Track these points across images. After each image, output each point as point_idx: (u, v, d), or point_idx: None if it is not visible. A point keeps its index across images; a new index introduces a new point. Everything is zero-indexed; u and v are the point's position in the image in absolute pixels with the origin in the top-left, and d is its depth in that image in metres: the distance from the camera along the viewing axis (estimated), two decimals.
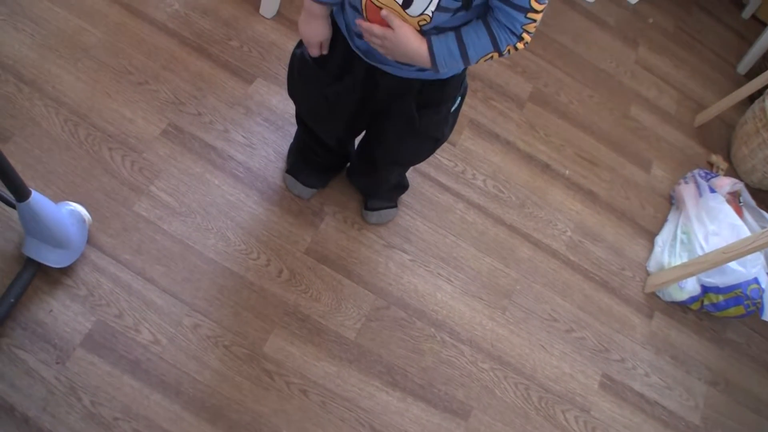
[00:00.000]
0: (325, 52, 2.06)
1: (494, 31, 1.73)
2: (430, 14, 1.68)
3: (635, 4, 4.36)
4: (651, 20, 4.36)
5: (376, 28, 1.78)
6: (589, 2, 4.18)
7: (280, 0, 3.17)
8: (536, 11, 1.69)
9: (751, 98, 3.95)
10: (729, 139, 4.00)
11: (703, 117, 4.00)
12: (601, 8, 4.22)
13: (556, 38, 3.90)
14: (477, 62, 1.84)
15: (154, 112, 2.81)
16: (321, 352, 2.55)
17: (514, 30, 1.72)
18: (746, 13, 4.85)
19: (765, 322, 3.23)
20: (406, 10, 1.69)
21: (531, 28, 1.73)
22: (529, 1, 1.65)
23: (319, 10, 1.94)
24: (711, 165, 3.84)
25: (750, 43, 4.47)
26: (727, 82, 4.36)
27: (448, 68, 1.85)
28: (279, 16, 3.25)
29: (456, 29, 1.77)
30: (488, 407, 2.69)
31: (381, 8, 1.72)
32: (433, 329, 2.75)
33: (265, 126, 2.93)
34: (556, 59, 3.82)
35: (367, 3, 1.75)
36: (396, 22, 1.75)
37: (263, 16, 3.21)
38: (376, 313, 2.70)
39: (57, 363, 2.27)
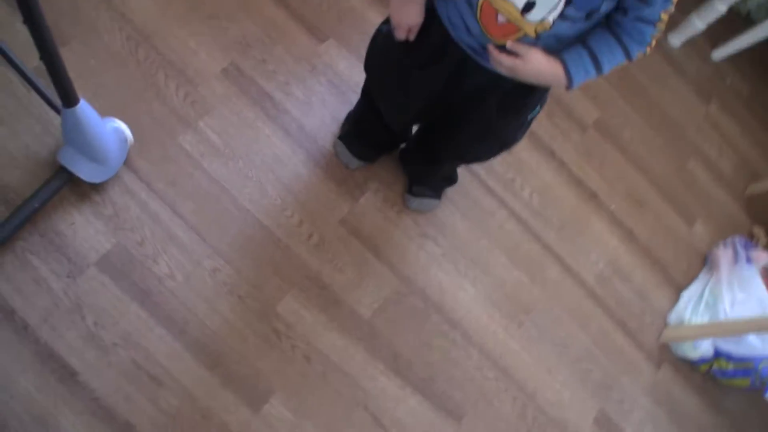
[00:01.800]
0: (411, 38, 2.00)
1: (626, 44, 1.75)
2: (551, 21, 1.66)
3: (718, 61, 4.30)
4: (729, 81, 4.30)
5: (506, 59, 1.77)
6: (673, 47, 4.12)
7: None
8: (664, 21, 1.70)
9: None
10: None
11: (755, 188, 3.94)
12: (684, 56, 4.16)
13: (635, 74, 3.85)
14: None
15: (219, 49, 2.77)
16: (333, 324, 2.53)
17: (644, 40, 1.75)
18: None
19: (765, 401, 3.17)
20: (525, 15, 1.66)
21: (658, 35, 1.74)
22: (659, 13, 1.67)
23: None
24: (752, 236, 3.79)
25: None
26: None
27: (580, 84, 1.84)
28: None
29: (585, 44, 1.77)
30: (483, 415, 2.68)
31: (497, 11, 1.69)
32: (447, 326, 2.72)
33: (328, 88, 2.89)
34: (628, 94, 3.77)
35: (484, 4, 1.71)
36: (523, 49, 1.75)
37: None
38: (395, 297, 2.67)
39: (68, 276, 2.26)
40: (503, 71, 1.83)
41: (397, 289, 2.68)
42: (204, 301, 2.38)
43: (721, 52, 4.25)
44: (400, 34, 1.99)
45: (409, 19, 1.94)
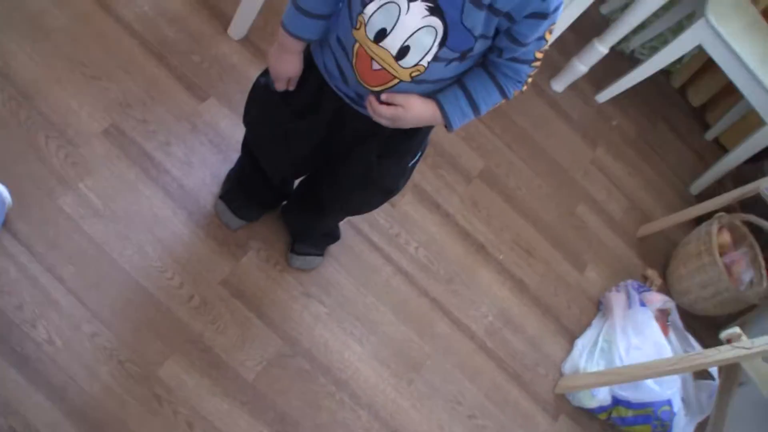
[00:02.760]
0: (291, 88, 2.01)
1: (502, 84, 1.78)
2: (425, 65, 1.67)
3: (602, 103, 4.35)
4: (615, 122, 4.36)
5: (385, 111, 1.79)
6: (556, 92, 4.16)
7: (250, 24, 3.10)
8: (539, 59, 1.74)
9: (698, 220, 3.92)
10: (668, 256, 3.98)
11: (646, 229, 4.00)
12: (568, 101, 4.21)
13: (517, 121, 3.87)
14: None
15: (100, 109, 2.74)
16: (216, 387, 2.48)
17: (520, 80, 1.78)
18: (709, 135, 4.87)
19: None
20: (399, 62, 1.67)
21: (533, 72, 1.78)
22: (534, 53, 1.71)
23: (295, 45, 1.90)
24: (645, 278, 3.83)
25: (707, 166, 4.47)
26: (677, 200, 4.37)
27: (460, 125, 1.86)
28: (246, 40, 3.18)
29: (461, 85, 1.79)
30: None
31: (372, 58, 1.70)
32: (334, 387, 2.69)
33: (209, 147, 2.86)
34: (513, 142, 3.79)
35: (359, 50, 1.72)
36: (399, 99, 1.77)
37: (230, 37, 3.15)
38: (280, 359, 2.63)
39: None
40: (384, 123, 1.84)
41: (281, 351, 2.64)
42: (83, 367, 2.32)
43: (605, 94, 4.34)
44: (280, 86, 2.00)
45: (288, 70, 1.96)
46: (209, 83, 3.00)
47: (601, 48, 3.93)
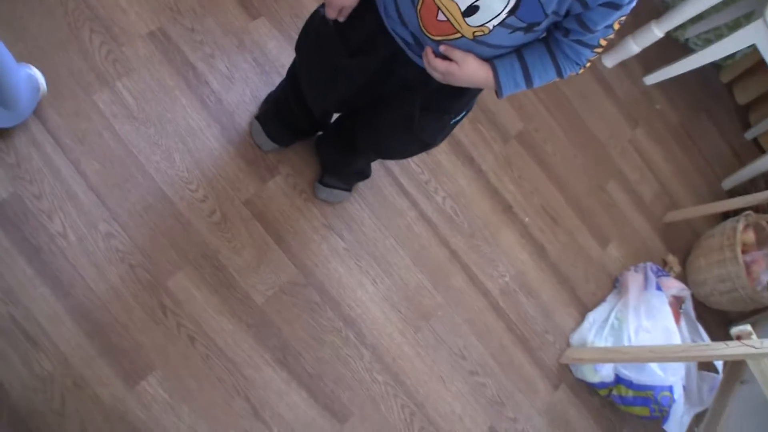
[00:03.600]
0: (341, 19, 1.97)
1: (560, 63, 1.78)
2: (491, 27, 1.65)
3: (649, 86, 4.30)
4: (658, 106, 4.31)
5: (440, 64, 1.78)
6: (606, 67, 4.12)
7: None
8: (603, 46, 1.73)
9: (725, 215, 3.92)
10: (690, 246, 3.95)
11: (673, 216, 3.96)
12: (615, 77, 4.16)
13: (564, 90, 3.83)
14: None
15: (149, 11, 2.70)
16: (223, 306, 2.48)
17: (579, 62, 1.78)
18: (749, 134, 4.82)
19: (664, 431, 3.17)
20: (466, 18, 1.65)
21: (594, 58, 1.78)
22: (599, 40, 1.70)
23: None
24: (665, 263, 3.81)
25: (742, 164, 4.43)
26: (707, 192, 4.33)
27: (510, 94, 1.86)
28: None
29: (519, 56, 1.79)
30: (368, 419, 2.64)
31: (439, 8, 1.67)
32: (341, 323, 2.68)
33: (252, 66, 2.83)
34: (554, 109, 3.76)
35: None
36: (458, 54, 1.76)
37: None
38: (291, 287, 2.62)
39: None
40: (436, 76, 1.83)
41: (293, 279, 2.63)
42: (93, 266, 2.32)
43: (653, 77, 4.28)
44: (331, 13, 1.95)
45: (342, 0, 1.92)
46: (263, 2, 2.96)
47: (657, 31, 3.88)
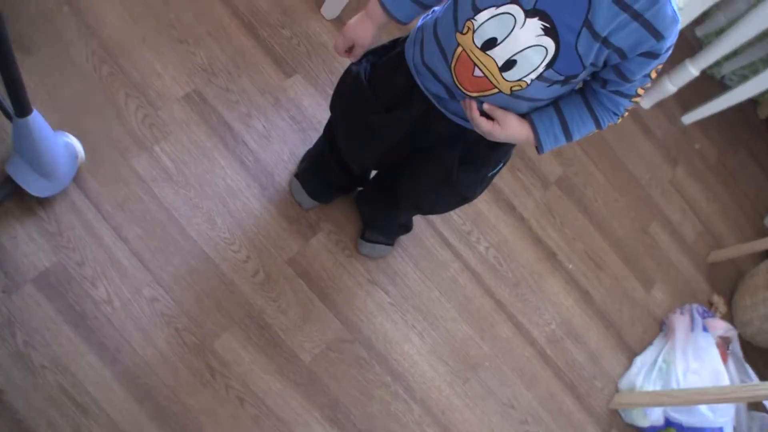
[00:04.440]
0: (351, 58, 2.02)
1: (598, 115, 1.79)
2: (528, 81, 1.65)
3: (687, 125, 4.28)
4: (698, 146, 4.30)
5: (484, 124, 1.79)
6: (643, 108, 4.11)
7: (344, 5, 3.07)
8: (640, 95, 1.74)
9: None
10: (735, 285, 3.92)
11: (717, 255, 3.94)
12: (653, 118, 4.16)
13: (602, 133, 3.78)
14: None
15: (183, 74, 2.71)
16: (271, 366, 2.46)
17: (617, 112, 1.78)
18: None
19: None
20: (503, 74, 1.65)
21: (632, 107, 1.78)
22: (637, 89, 1.71)
23: (379, 15, 1.90)
24: (711, 304, 3.78)
25: None
26: (750, 230, 4.30)
27: (551, 149, 1.87)
28: (338, 20, 3.15)
29: (558, 110, 1.79)
30: None
31: (475, 65, 1.68)
32: (389, 378, 2.66)
33: (289, 123, 2.83)
34: (593, 152, 3.74)
35: (462, 54, 1.70)
36: (499, 114, 1.77)
37: (323, 16, 3.11)
38: (338, 344, 2.61)
39: (3, 291, 2.19)
40: (478, 131, 1.83)
41: (340, 336, 2.62)
42: (139, 331, 2.31)
43: (691, 116, 4.27)
44: (339, 46, 2.00)
45: (358, 34, 1.95)
46: (297, 60, 2.97)
47: (692, 69, 3.88)
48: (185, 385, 2.32)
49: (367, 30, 1.93)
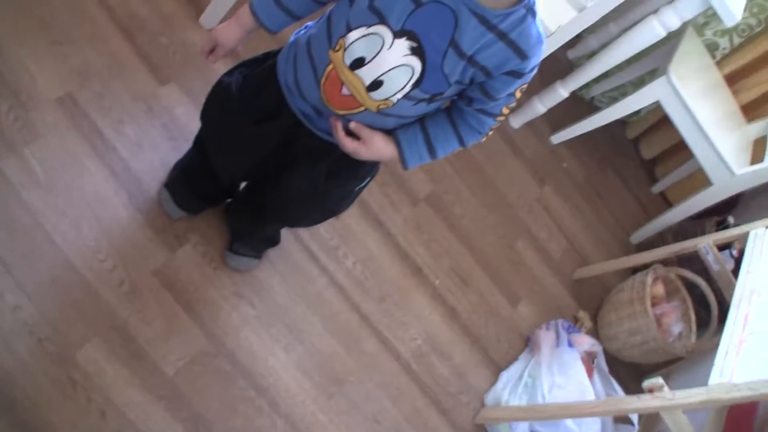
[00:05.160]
0: (211, 60, 2.05)
1: (462, 134, 1.83)
2: (395, 101, 1.69)
3: (556, 144, 4.35)
4: (565, 165, 4.37)
5: (349, 144, 1.83)
6: (513, 128, 4.16)
7: (223, 15, 3.04)
8: (505, 114, 1.78)
9: (635, 269, 3.98)
10: (600, 301, 3.99)
11: (583, 272, 4.01)
12: (522, 137, 4.21)
13: (472, 151, 3.85)
14: None
15: (57, 76, 2.67)
16: (134, 379, 2.44)
17: (481, 131, 1.82)
18: (656, 188, 4.90)
19: None
20: (370, 93, 1.69)
21: (496, 126, 1.82)
22: (501, 108, 1.75)
23: (248, 21, 1.93)
24: (576, 320, 3.84)
25: (650, 218, 4.50)
26: (616, 247, 4.39)
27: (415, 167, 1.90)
28: None
29: (423, 128, 1.84)
30: None
31: (343, 83, 1.71)
32: (254, 392, 2.65)
33: (161, 132, 2.81)
34: (463, 170, 3.78)
35: (332, 72, 1.73)
36: (365, 133, 1.81)
37: (202, 26, 3.09)
38: (202, 357, 2.59)
39: None
40: (344, 149, 1.86)
41: (205, 349, 2.61)
42: (1, 340, 2.27)
43: (560, 136, 4.33)
44: (205, 48, 2.03)
45: (223, 36, 1.98)
46: (172, 68, 2.95)
47: (562, 91, 3.94)
48: (46, 397, 2.28)
49: (233, 32, 1.95)
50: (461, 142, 1.85)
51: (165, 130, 2.82)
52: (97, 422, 2.34)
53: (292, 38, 1.94)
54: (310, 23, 1.90)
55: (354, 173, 2.10)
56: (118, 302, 2.49)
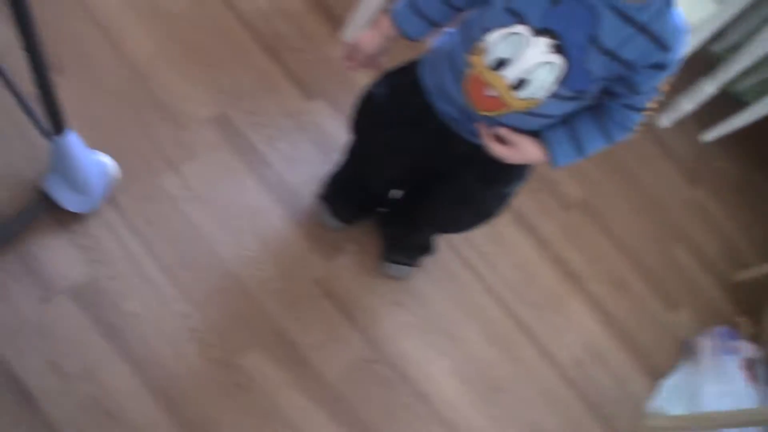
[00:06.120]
0: (347, 66, 2.05)
1: (609, 130, 1.82)
2: (540, 99, 1.69)
3: (707, 143, 4.27)
4: (718, 164, 4.27)
5: (500, 150, 1.84)
6: (662, 127, 4.10)
7: (363, 29, 3.07)
8: (651, 109, 1.75)
9: None
10: (762, 305, 3.88)
11: (743, 275, 3.90)
12: (672, 137, 4.15)
13: (621, 154, 3.81)
14: None
15: (210, 96, 2.77)
16: (296, 383, 2.48)
17: (629, 127, 1.81)
18: None
19: None
20: (515, 92, 1.69)
21: (643, 121, 1.80)
22: (646, 102, 1.73)
23: (388, 28, 1.94)
24: (737, 325, 3.75)
25: None
26: None
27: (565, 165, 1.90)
28: None
29: (570, 127, 1.84)
30: None
31: (487, 84, 1.72)
32: (413, 399, 2.67)
33: (312, 146, 2.88)
34: (614, 174, 3.75)
35: (473, 74, 1.74)
36: (515, 138, 1.82)
37: (342, 41, 3.15)
38: (363, 363, 2.63)
39: (38, 301, 2.24)
40: (493, 153, 1.86)
41: (365, 355, 2.64)
42: (169, 345, 2.35)
43: (710, 134, 4.24)
44: (345, 50, 2.04)
45: (364, 41, 1.99)
46: (318, 83, 3.01)
47: (708, 88, 3.87)
48: (212, 399, 2.35)
49: (372, 37, 1.96)
50: (608, 139, 1.84)
51: (315, 143, 2.88)
52: (261, 424, 2.39)
53: (433, 45, 1.97)
54: (451, 29, 1.92)
55: (505, 176, 2.09)
56: (280, 310, 2.55)
